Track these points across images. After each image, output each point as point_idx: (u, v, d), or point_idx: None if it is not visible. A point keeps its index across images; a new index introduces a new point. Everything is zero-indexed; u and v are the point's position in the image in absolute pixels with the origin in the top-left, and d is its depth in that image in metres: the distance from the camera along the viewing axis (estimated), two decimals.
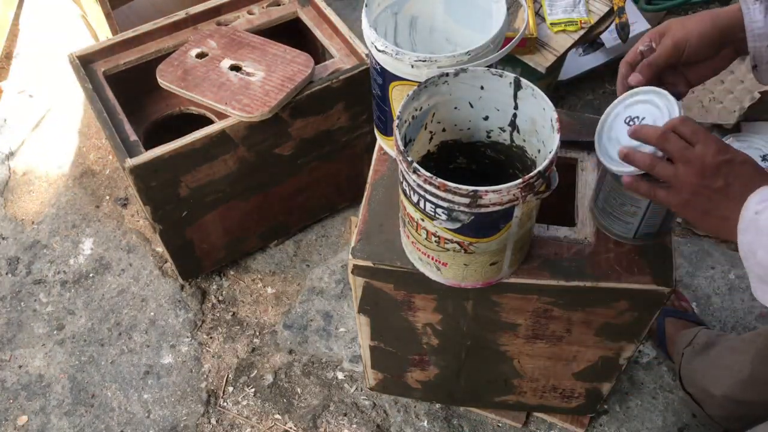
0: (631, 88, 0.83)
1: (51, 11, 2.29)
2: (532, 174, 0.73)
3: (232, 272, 1.64)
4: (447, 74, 0.82)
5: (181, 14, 1.47)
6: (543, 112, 0.80)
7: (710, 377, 1.24)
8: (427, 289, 0.99)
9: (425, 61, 0.85)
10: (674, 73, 0.85)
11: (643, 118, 0.81)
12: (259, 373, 1.48)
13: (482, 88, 0.84)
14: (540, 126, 0.82)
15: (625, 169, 0.79)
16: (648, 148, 0.77)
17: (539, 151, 0.84)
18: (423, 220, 0.81)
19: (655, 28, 0.85)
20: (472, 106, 0.87)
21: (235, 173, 1.40)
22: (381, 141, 1.06)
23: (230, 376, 1.48)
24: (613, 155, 0.81)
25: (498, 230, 0.80)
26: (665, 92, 0.80)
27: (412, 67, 0.86)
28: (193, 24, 1.49)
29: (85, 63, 1.41)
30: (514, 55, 1.59)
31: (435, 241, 0.83)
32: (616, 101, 0.84)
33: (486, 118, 0.89)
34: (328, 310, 1.57)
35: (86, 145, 1.92)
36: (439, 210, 0.76)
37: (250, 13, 1.52)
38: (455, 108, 0.87)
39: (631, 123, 0.81)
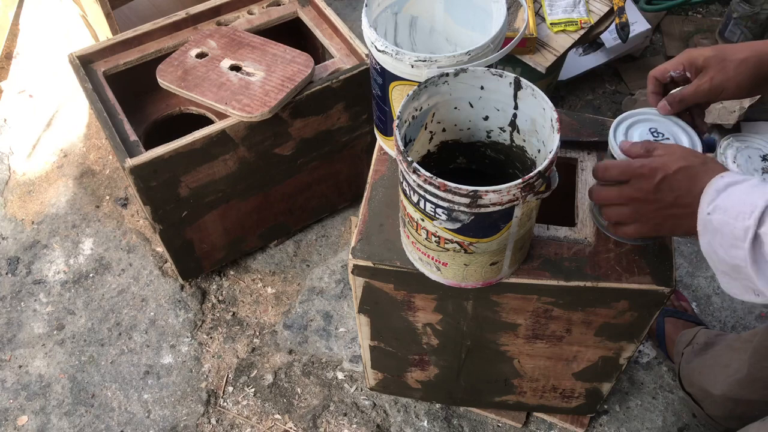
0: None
1: (51, 11, 2.29)
2: (532, 174, 0.72)
3: (232, 272, 1.64)
4: (447, 74, 0.82)
5: (181, 14, 1.47)
6: (543, 112, 0.80)
7: (709, 377, 1.24)
8: (427, 289, 0.99)
9: (425, 61, 0.85)
10: None
11: (664, 135, 0.86)
12: (259, 373, 1.48)
13: (482, 88, 0.84)
14: (540, 126, 0.82)
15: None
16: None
17: (539, 151, 0.84)
18: (423, 220, 0.81)
19: (691, 54, 0.84)
20: (472, 106, 0.87)
21: (235, 173, 1.40)
22: (381, 141, 1.06)
23: (230, 376, 1.48)
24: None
25: (498, 230, 0.80)
26: (691, 130, 0.86)
27: (412, 67, 0.86)
28: (193, 24, 1.49)
29: (85, 63, 1.41)
30: (514, 55, 1.59)
31: (435, 241, 0.83)
32: (642, 110, 0.89)
33: (486, 118, 0.89)
34: (328, 310, 1.57)
35: (86, 145, 1.92)
36: (439, 210, 0.76)
37: (250, 13, 1.52)
38: (455, 108, 0.87)
39: (654, 134, 0.86)
